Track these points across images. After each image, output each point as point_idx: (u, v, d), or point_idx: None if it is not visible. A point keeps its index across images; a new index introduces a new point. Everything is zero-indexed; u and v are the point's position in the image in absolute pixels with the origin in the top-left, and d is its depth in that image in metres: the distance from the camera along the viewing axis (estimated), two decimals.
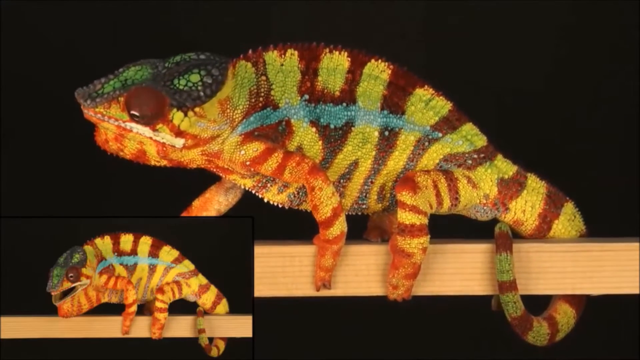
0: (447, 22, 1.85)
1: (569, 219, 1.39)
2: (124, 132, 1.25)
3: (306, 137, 1.31)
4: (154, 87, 1.25)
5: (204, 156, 1.29)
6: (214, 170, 1.33)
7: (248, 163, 1.29)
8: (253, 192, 1.34)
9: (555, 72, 1.84)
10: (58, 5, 1.80)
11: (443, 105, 1.35)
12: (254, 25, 1.81)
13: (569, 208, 1.39)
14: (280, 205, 1.34)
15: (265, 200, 1.34)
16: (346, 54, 1.33)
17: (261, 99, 1.30)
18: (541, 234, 1.38)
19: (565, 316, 1.37)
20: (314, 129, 1.31)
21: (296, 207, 1.34)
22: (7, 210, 1.73)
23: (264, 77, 1.31)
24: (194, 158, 1.29)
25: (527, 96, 1.83)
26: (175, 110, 1.25)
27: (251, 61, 1.31)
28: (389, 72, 1.34)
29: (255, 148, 1.28)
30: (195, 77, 1.26)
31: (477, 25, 1.84)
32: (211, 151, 1.29)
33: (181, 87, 1.25)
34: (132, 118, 1.25)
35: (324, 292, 1.30)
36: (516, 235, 1.35)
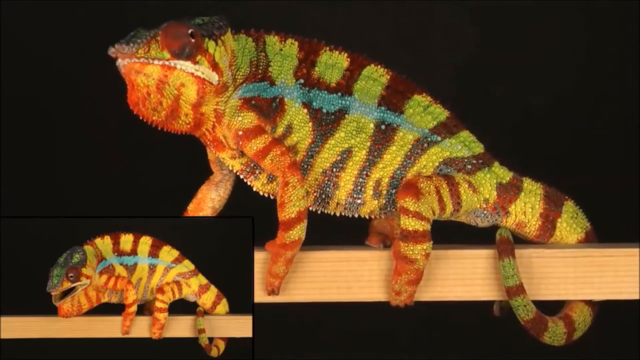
0: (447, 27, 1.86)
1: (571, 217, 1.39)
2: (168, 71, 1.25)
3: (297, 117, 1.32)
4: (183, 22, 1.27)
5: (214, 113, 1.30)
6: (210, 143, 1.32)
7: (241, 133, 1.29)
8: (241, 177, 1.34)
9: (555, 72, 1.84)
10: (58, 6, 1.79)
11: (441, 112, 1.36)
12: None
13: (569, 206, 1.39)
14: (272, 197, 1.34)
15: (255, 189, 1.34)
16: (346, 54, 1.34)
17: (260, 71, 1.32)
18: (547, 233, 1.38)
19: (582, 314, 1.36)
20: (305, 110, 1.32)
21: None
22: (7, 210, 1.73)
23: (263, 54, 1.33)
24: (209, 115, 1.29)
25: (528, 97, 1.83)
26: (207, 39, 1.27)
27: (252, 37, 1.33)
28: (388, 77, 1.34)
29: (251, 120, 1.29)
30: (205, 19, 1.29)
31: (476, 27, 1.84)
32: (220, 110, 1.30)
33: (200, 22, 1.28)
34: (173, 55, 1.25)
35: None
36: (520, 240, 1.36)
